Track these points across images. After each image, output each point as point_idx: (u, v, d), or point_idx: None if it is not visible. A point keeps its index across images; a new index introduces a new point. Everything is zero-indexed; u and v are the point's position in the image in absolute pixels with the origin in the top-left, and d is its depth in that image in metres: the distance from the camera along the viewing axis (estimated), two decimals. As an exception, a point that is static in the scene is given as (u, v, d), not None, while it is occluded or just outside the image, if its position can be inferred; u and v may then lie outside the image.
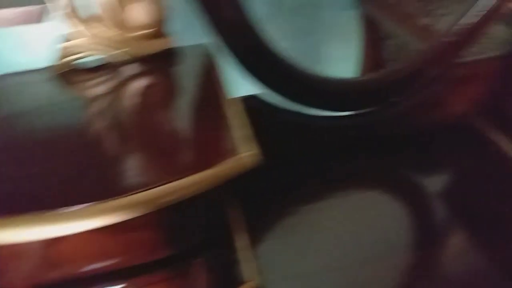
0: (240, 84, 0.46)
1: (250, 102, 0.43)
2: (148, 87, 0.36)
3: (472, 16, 0.46)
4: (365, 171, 0.51)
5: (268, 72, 0.43)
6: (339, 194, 0.48)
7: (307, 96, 0.47)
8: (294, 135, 0.50)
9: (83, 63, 0.38)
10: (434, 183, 0.50)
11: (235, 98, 0.36)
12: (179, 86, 0.37)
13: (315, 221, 0.45)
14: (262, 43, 0.41)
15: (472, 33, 0.48)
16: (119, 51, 0.36)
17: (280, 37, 0.99)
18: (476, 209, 0.46)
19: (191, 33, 0.40)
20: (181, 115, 0.33)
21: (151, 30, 0.37)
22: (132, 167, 0.27)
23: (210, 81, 0.37)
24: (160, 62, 0.38)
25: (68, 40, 0.37)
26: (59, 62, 0.37)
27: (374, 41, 0.96)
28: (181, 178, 0.25)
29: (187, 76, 0.38)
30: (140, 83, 0.36)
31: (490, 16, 0.47)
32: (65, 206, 0.24)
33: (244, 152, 0.28)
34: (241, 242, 0.36)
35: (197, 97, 0.35)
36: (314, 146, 0.51)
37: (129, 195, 0.25)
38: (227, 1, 0.38)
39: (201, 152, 0.29)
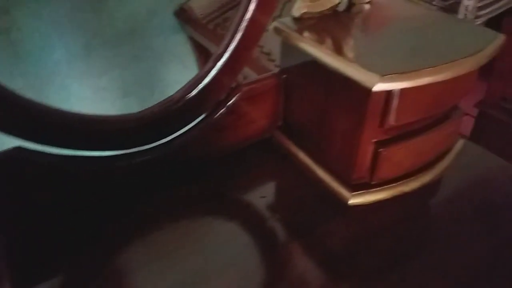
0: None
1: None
2: None
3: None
4: (181, 200, 0.48)
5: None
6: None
7: (86, 141, 0.42)
8: (91, 180, 0.44)
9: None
10: (254, 197, 0.49)
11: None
12: None
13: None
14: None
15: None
16: None
17: (108, 67, 0.94)
18: (291, 219, 0.46)
19: None
20: None
21: None
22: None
23: None
24: None
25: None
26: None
27: (206, 61, 0.96)
28: None
29: None
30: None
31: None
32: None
33: None
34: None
35: None
36: (117, 188, 0.46)
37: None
38: None
39: None
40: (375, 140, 0.44)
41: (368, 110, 0.41)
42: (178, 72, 1.02)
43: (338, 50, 0.42)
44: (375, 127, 0.43)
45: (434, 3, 0.87)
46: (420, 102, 0.42)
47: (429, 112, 0.44)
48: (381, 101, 0.41)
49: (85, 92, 0.91)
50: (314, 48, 0.44)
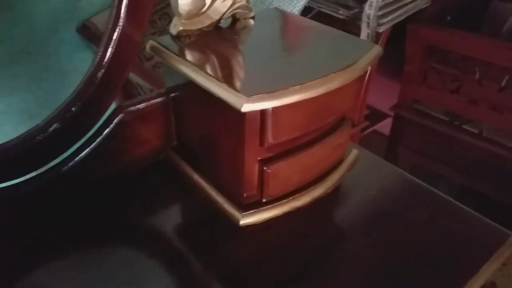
0: None
1: None
2: None
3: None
4: (72, 228, 0.45)
5: None
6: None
7: None
8: None
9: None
10: (148, 222, 0.46)
11: None
12: None
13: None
14: None
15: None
16: None
17: (6, 90, 0.87)
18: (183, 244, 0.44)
19: None
20: None
21: None
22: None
23: None
24: None
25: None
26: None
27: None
28: None
29: None
30: None
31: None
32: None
33: None
34: None
35: None
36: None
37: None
38: None
39: None
40: (259, 158, 0.43)
41: (245, 130, 0.40)
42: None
43: (212, 69, 0.41)
44: (256, 146, 0.42)
45: (340, 12, 0.89)
46: (297, 119, 0.41)
47: (310, 128, 0.43)
48: (257, 120, 0.40)
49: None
50: (188, 68, 0.42)
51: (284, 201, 0.46)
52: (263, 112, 0.39)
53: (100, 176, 0.49)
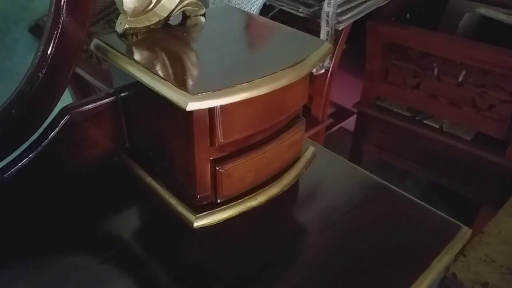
0: None
1: None
2: None
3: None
4: (21, 239, 0.43)
5: None
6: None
7: None
8: None
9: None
10: (101, 228, 0.45)
11: None
12: None
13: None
14: None
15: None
16: None
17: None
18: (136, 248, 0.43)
19: None
20: None
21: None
22: None
23: None
24: None
25: None
26: None
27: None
28: None
29: None
30: None
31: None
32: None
33: None
34: None
35: None
36: None
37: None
38: None
39: None
40: (211, 158, 0.42)
41: (194, 130, 0.39)
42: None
43: (158, 68, 0.40)
44: (206, 146, 0.41)
45: (300, 10, 0.89)
46: (247, 117, 0.41)
47: (261, 126, 0.43)
48: (205, 119, 0.39)
49: None
50: (133, 67, 0.41)
51: (239, 201, 0.46)
52: (211, 110, 0.38)
53: (48, 181, 0.47)
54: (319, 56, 0.43)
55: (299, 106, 0.47)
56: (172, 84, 0.37)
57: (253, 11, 0.87)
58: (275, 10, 0.97)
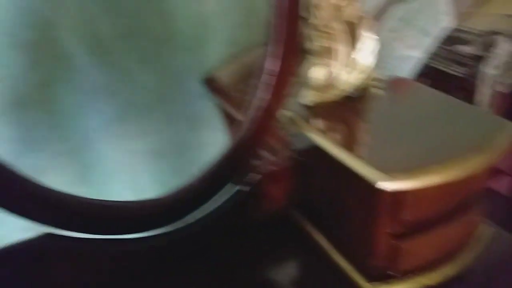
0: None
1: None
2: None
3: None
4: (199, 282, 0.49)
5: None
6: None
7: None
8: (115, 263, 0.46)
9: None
10: (272, 276, 0.49)
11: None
12: None
13: None
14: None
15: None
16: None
17: (141, 132, 0.98)
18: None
19: None
20: None
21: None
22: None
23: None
24: None
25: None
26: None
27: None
28: None
29: None
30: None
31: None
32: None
33: None
34: None
35: None
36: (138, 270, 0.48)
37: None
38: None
39: None
40: (390, 232, 0.43)
41: (379, 206, 0.40)
42: (207, 136, 1.05)
43: (344, 141, 0.43)
44: (389, 221, 0.42)
45: (452, 69, 0.86)
46: (434, 198, 0.41)
47: (446, 206, 0.42)
48: (392, 197, 0.40)
49: (120, 155, 0.95)
50: (320, 138, 0.44)
51: (413, 277, 0.45)
52: (399, 189, 0.39)
53: (221, 230, 0.53)
54: (509, 140, 0.42)
55: (482, 187, 0.46)
56: (364, 161, 0.39)
57: (408, 69, 0.87)
58: (425, 68, 0.96)
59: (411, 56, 0.83)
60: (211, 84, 1.02)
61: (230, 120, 1.00)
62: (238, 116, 0.91)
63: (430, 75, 0.93)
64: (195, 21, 0.93)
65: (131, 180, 1.00)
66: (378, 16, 0.54)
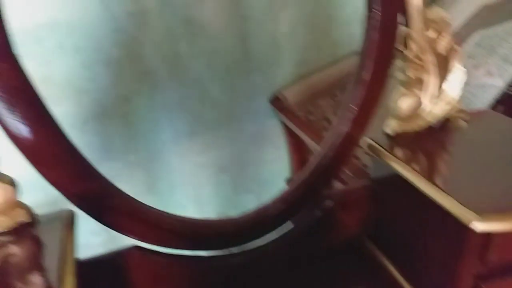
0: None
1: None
2: None
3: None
4: None
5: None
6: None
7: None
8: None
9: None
10: None
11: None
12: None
13: None
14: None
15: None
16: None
17: (207, 147, 1.02)
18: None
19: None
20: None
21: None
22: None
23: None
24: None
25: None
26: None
27: (296, 145, 0.99)
28: None
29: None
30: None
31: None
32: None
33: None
34: None
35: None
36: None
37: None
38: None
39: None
40: (475, 273, 0.41)
41: (466, 245, 0.39)
42: (269, 154, 1.06)
43: (431, 175, 0.42)
44: (475, 261, 0.40)
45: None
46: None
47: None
48: (482, 237, 0.38)
49: (185, 167, 0.99)
50: (404, 170, 0.43)
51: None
52: (490, 231, 0.38)
53: (294, 254, 0.53)
54: None
55: None
56: (455, 199, 0.38)
57: (488, 98, 0.83)
58: (501, 95, 0.91)
59: (491, 84, 0.80)
60: (278, 103, 1.04)
61: (294, 140, 1.01)
62: (301, 133, 0.92)
63: (505, 102, 0.88)
64: (269, 41, 0.96)
65: (194, 192, 1.04)
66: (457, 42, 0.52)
